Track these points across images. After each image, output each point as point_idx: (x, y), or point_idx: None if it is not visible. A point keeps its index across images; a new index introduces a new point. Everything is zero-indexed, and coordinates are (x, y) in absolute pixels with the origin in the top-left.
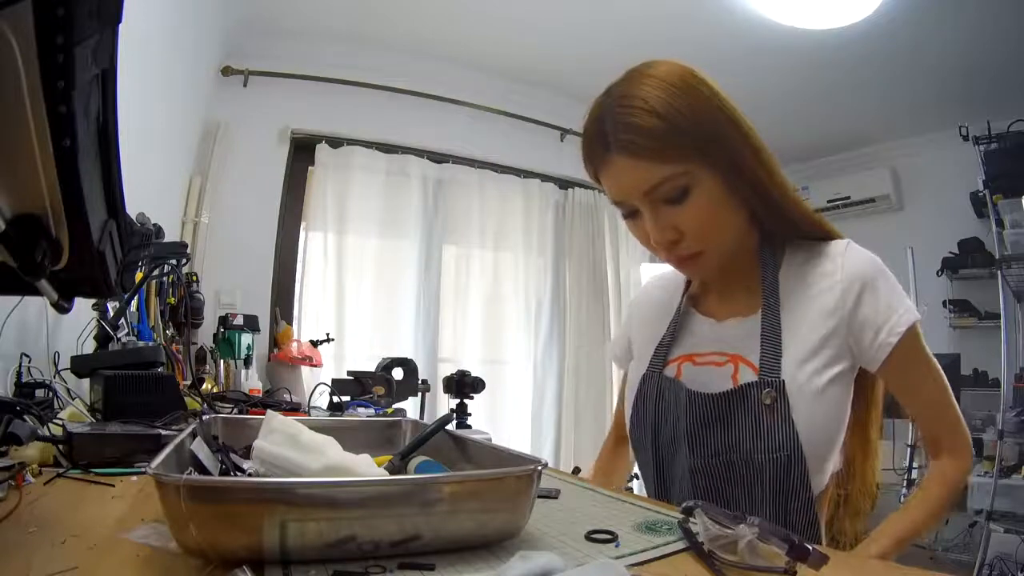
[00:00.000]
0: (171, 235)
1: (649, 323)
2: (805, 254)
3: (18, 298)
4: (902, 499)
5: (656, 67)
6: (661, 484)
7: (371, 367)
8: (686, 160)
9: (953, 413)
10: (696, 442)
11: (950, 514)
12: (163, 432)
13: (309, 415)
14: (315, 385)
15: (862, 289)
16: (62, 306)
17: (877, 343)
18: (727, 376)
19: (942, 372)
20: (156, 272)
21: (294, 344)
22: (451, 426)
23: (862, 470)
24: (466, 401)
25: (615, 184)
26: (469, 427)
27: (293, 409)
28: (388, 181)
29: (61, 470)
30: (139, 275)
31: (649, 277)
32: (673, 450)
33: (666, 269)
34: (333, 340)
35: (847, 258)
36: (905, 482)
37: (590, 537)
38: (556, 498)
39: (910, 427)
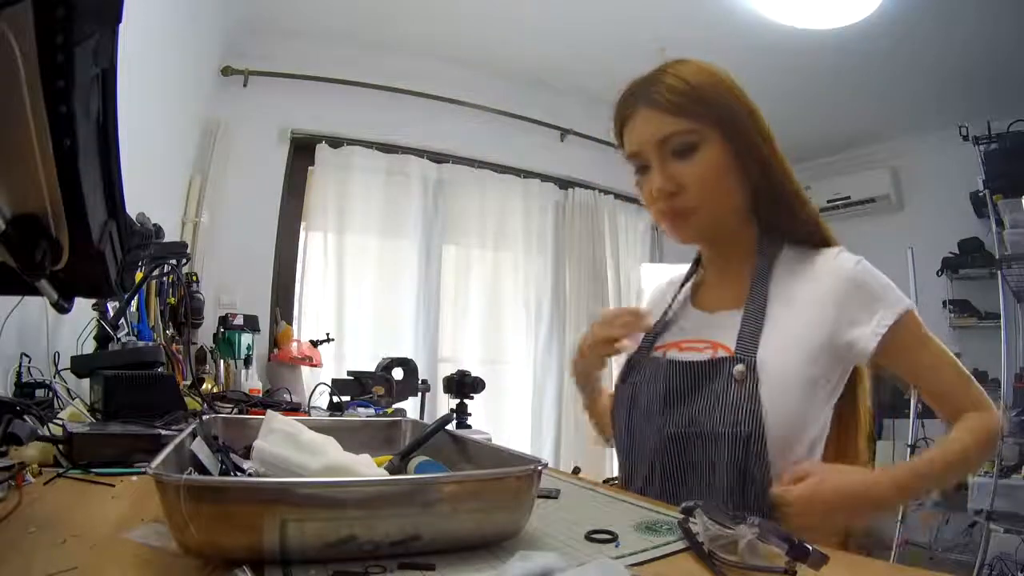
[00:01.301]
0: (171, 235)
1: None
2: (799, 255)
3: (18, 298)
4: None
5: (691, 60)
6: (631, 456)
7: (371, 367)
8: (701, 121)
9: (975, 390)
10: (672, 411)
11: (977, 465)
12: (163, 432)
13: (309, 415)
14: (315, 385)
15: (849, 288)
16: (62, 306)
17: (863, 340)
18: (705, 358)
19: (951, 355)
20: (156, 272)
21: (294, 344)
22: (451, 426)
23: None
24: (466, 401)
25: (634, 133)
26: (469, 427)
27: (293, 409)
28: (388, 181)
29: (61, 470)
30: (139, 275)
31: (648, 277)
32: (648, 421)
33: (673, 272)
34: (333, 340)
35: (838, 260)
36: None
37: (590, 537)
38: (556, 498)
39: (910, 427)
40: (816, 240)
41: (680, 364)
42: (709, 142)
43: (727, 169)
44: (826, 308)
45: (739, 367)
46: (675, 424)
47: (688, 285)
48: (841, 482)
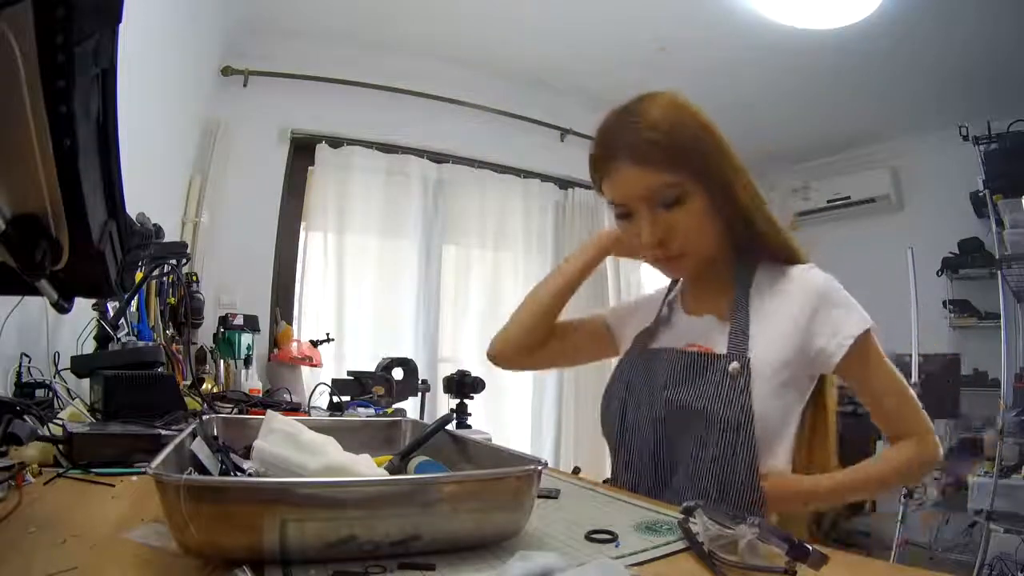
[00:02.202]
0: (171, 235)
1: (643, 309)
2: (772, 272)
3: (18, 298)
4: (901, 500)
5: (659, 96)
6: (624, 441)
7: (371, 367)
8: (682, 173)
9: (914, 419)
10: (668, 392)
11: (892, 487)
12: (163, 432)
13: (309, 415)
14: (315, 385)
15: (818, 302)
16: (62, 306)
17: (830, 349)
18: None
19: (899, 374)
20: (156, 272)
21: (294, 344)
22: (451, 426)
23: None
24: (466, 401)
25: (619, 187)
26: (469, 427)
27: (293, 409)
28: (388, 181)
29: (61, 470)
30: (139, 275)
31: (649, 278)
32: (643, 405)
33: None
34: (333, 340)
35: (806, 277)
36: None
37: (590, 537)
38: (556, 498)
39: None
40: (786, 257)
41: (680, 352)
42: (691, 192)
43: (708, 214)
44: (799, 319)
45: (735, 364)
46: (670, 402)
47: (676, 290)
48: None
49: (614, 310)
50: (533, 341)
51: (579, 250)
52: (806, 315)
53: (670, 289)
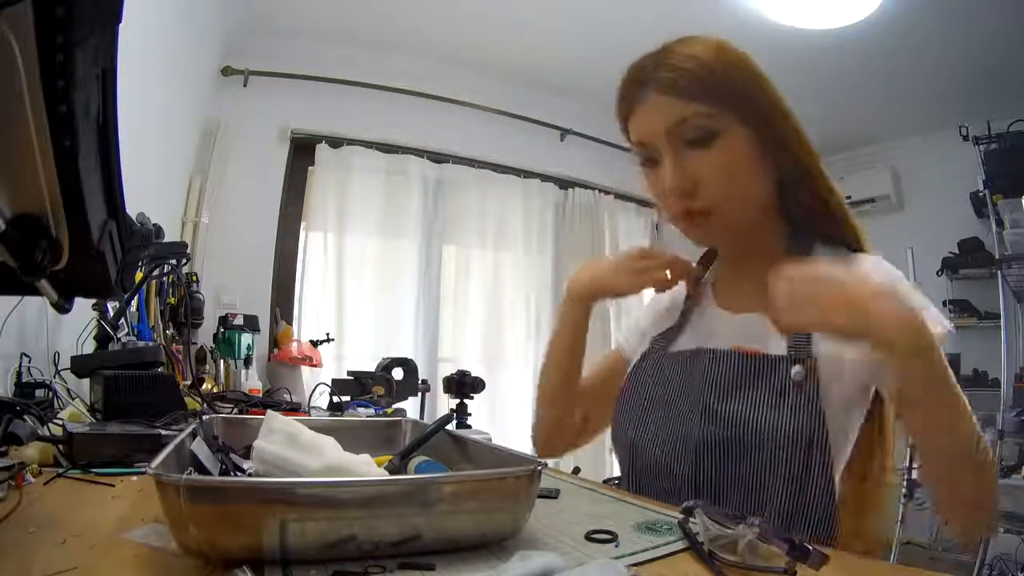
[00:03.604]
0: (171, 235)
1: (661, 316)
2: (835, 257)
3: (18, 298)
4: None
5: (702, 36)
6: (647, 470)
7: (371, 367)
8: (717, 104)
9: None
10: (709, 411)
11: (964, 434)
12: (163, 432)
13: (309, 415)
14: (315, 385)
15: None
16: (62, 306)
17: None
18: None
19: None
20: (156, 272)
21: (294, 344)
22: (451, 426)
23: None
24: (466, 401)
25: (642, 122)
26: (469, 427)
27: (293, 409)
28: (388, 181)
29: (61, 470)
30: (139, 275)
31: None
32: (672, 424)
33: None
34: (333, 340)
35: (880, 267)
36: (905, 482)
37: (590, 537)
38: (556, 498)
39: None
40: (850, 242)
41: (725, 354)
42: (728, 127)
43: (751, 159)
44: None
45: (797, 368)
46: (714, 424)
47: (705, 280)
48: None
49: (626, 336)
50: (565, 423)
51: (558, 315)
52: None
53: (700, 277)
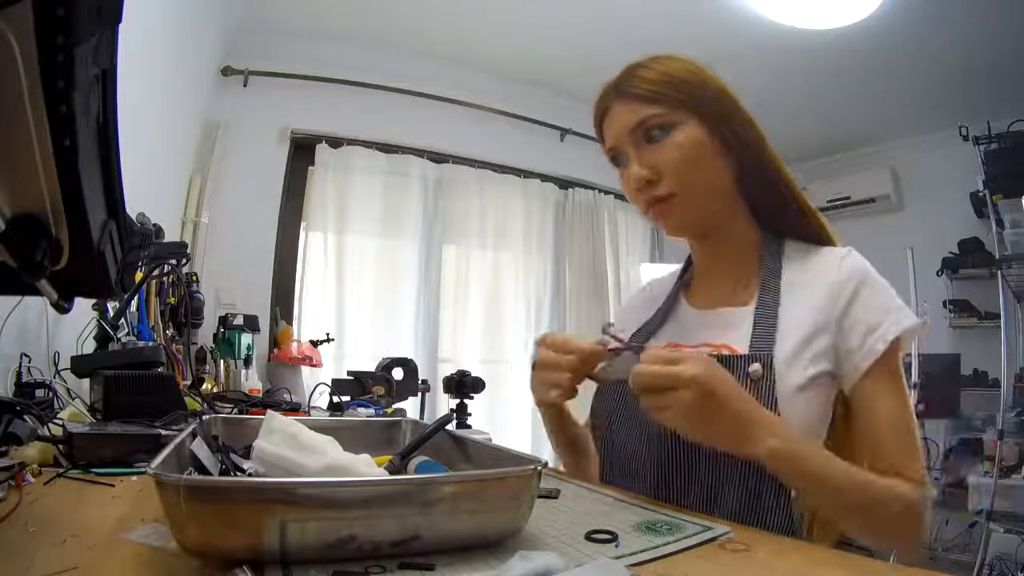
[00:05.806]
0: (171, 235)
1: (637, 312)
2: (805, 254)
3: (18, 298)
4: None
5: (668, 54)
6: (616, 469)
7: (371, 367)
8: (675, 105)
9: (914, 443)
10: None
11: (864, 520)
12: (163, 432)
13: (309, 415)
14: (315, 385)
15: (858, 287)
16: (62, 306)
17: (866, 346)
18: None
19: (913, 414)
20: (156, 272)
21: (294, 344)
22: (451, 426)
23: None
24: (466, 401)
25: (609, 128)
26: (469, 427)
27: (293, 409)
28: (388, 181)
29: (61, 470)
30: (139, 275)
31: (649, 277)
32: (638, 427)
33: (665, 271)
34: (333, 340)
35: (847, 260)
36: None
37: (590, 537)
38: (556, 498)
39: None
40: (816, 237)
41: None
42: (682, 122)
43: (703, 147)
44: (833, 310)
45: (755, 366)
46: None
47: (678, 283)
48: (742, 394)
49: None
50: (587, 459)
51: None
52: (843, 300)
53: (679, 277)
